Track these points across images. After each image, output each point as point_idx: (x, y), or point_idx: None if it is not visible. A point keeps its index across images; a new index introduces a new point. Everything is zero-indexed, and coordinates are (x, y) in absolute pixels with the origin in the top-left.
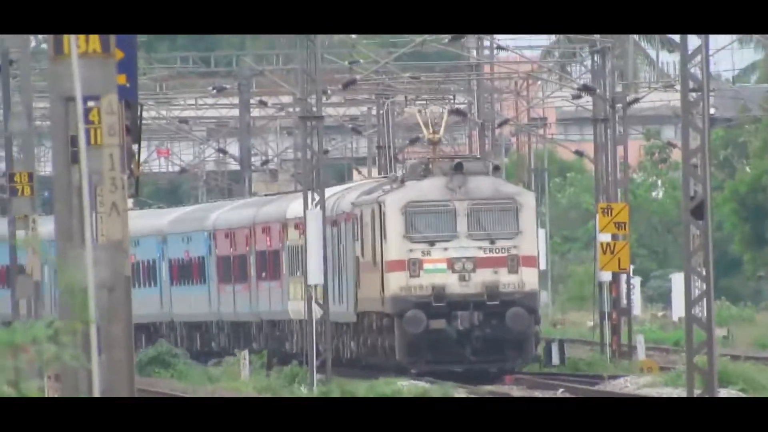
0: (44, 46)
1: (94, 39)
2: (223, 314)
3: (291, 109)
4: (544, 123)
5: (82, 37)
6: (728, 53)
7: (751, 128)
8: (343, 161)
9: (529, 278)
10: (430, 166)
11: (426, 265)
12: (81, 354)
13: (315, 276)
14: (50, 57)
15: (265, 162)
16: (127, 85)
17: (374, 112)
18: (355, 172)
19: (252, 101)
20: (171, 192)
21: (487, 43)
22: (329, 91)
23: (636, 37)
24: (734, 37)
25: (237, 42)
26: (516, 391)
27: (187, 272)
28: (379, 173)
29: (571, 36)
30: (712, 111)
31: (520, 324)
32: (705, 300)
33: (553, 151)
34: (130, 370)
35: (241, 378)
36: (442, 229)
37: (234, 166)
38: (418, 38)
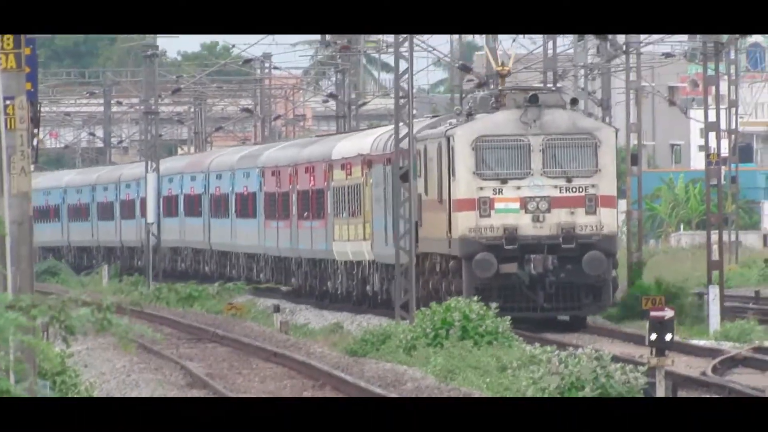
0: None
1: (11, 58)
2: (267, 248)
3: (138, 107)
4: (304, 118)
5: (2, 56)
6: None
7: None
8: (172, 142)
9: (608, 220)
10: (503, 98)
11: (497, 205)
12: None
13: (152, 216)
14: None
15: (120, 142)
16: (32, 89)
17: (192, 109)
18: (179, 149)
19: (112, 101)
20: (58, 161)
21: (267, 64)
22: (163, 95)
23: (364, 60)
24: (430, 60)
25: (102, 61)
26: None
27: (245, 206)
28: (196, 151)
29: (323, 60)
30: (414, 111)
31: (598, 269)
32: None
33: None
34: (31, 277)
35: (103, 284)
36: (515, 165)
37: (100, 144)
38: (222, 61)
